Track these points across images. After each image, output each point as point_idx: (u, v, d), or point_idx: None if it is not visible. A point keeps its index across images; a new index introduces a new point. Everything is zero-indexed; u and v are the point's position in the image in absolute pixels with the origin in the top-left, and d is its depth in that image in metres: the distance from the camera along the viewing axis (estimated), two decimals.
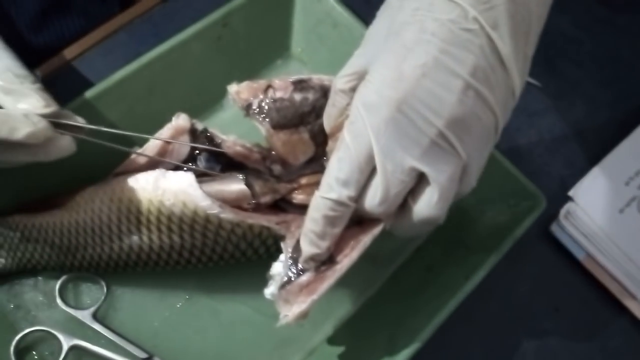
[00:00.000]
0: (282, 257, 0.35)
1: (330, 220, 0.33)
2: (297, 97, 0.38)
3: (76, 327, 0.40)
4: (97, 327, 0.40)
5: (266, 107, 0.38)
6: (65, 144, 0.34)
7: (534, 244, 0.49)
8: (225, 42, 0.46)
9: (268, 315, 0.39)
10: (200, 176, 0.38)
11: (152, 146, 0.39)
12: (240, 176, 0.38)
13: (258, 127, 0.39)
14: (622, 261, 0.47)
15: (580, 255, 0.48)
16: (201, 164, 0.39)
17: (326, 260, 0.34)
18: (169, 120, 0.39)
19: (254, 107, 0.38)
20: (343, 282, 0.36)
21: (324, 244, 0.33)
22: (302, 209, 0.35)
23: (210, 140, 0.39)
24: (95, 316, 0.40)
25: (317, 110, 0.38)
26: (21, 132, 0.31)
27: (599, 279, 0.47)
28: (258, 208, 0.39)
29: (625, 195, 0.49)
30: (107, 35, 0.50)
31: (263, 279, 0.36)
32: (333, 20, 0.48)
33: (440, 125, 0.29)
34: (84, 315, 0.40)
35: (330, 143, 0.37)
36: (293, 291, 0.34)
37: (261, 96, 0.38)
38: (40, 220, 0.40)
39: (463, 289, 0.39)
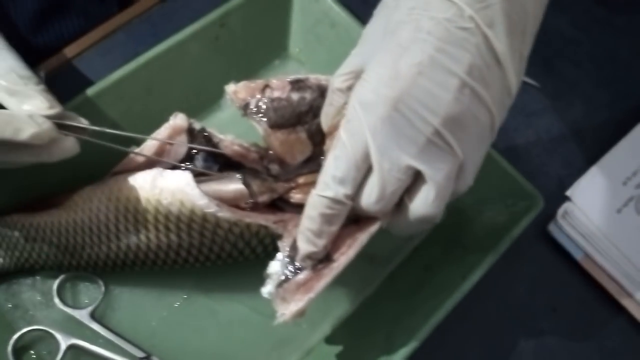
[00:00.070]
0: (279, 255, 0.35)
1: (327, 219, 0.33)
2: (295, 96, 0.38)
3: (74, 327, 0.40)
4: (94, 326, 0.40)
5: (264, 107, 0.38)
6: (69, 145, 0.34)
7: (532, 243, 0.49)
8: (223, 42, 0.46)
9: (266, 315, 0.39)
10: (198, 176, 0.39)
11: (149, 146, 0.39)
12: (238, 176, 0.39)
13: (255, 127, 0.39)
14: (619, 261, 0.47)
15: (578, 255, 0.48)
16: (199, 163, 0.39)
17: (323, 259, 0.34)
18: (166, 120, 0.39)
19: (252, 107, 0.39)
20: (341, 281, 0.36)
21: (321, 242, 0.33)
22: (300, 208, 0.35)
23: (208, 139, 0.39)
24: (93, 315, 0.40)
25: (314, 109, 0.38)
26: (26, 132, 0.31)
27: (597, 279, 0.47)
28: (256, 207, 0.39)
29: (623, 195, 0.49)
30: (105, 35, 0.51)
31: (261, 279, 0.35)
32: (331, 20, 0.48)
33: (437, 123, 0.29)
34: (82, 315, 0.40)
35: (327, 142, 0.38)
36: (290, 289, 0.34)
37: (258, 96, 0.38)
38: (38, 219, 0.40)
39: (460, 288, 0.39)
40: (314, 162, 0.39)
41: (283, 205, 0.40)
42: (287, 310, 0.34)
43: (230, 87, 0.39)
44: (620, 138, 0.51)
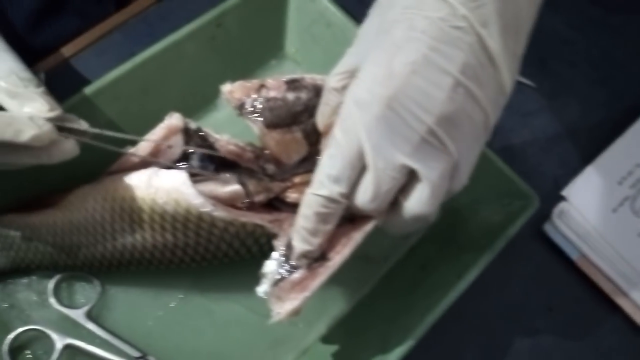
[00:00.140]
0: (274, 254, 0.35)
1: (322, 217, 0.33)
2: (290, 96, 0.38)
3: (70, 327, 0.40)
4: (90, 326, 0.40)
5: (259, 107, 0.38)
6: (69, 147, 0.34)
7: (528, 243, 0.49)
8: (219, 42, 0.46)
9: (262, 315, 0.39)
10: (194, 176, 0.39)
11: (145, 146, 0.39)
12: (234, 175, 0.39)
13: (251, 127, 0.39)
14: (615, 260, 0.47)
15: (573, 255, 0.48)
16: (195, 163, 0.39)
17: (318, 258, 0.34)
18: (163, 119, 0.39)
19: (247, 107, 0.39)
20: (337, 280, 0.36)
21: (316, 241, 0.33)
22: (296, 207, 0.35)
23: (204, 139, 0.39)
24: (89, 315, 0.40)
25: (310, 109, 0.38)
26: (26, 134, 0.31)
27: (592, 278, 0.48)
28: (252, 207, 0.39)
29: (619, 195, 0.49)
30: (102, 35, 0.51)
31: (257, 279, 0.36)
32: (327, 20, 0.48)
33: (430, 122, 0.30)
34: (78, 315, 0.40)
35: (323, 141, 0.38)
36: (285, 288, 0.34)
37: (254, 95, 0.39)
38: (33, 219, 0.40)
39: (456, 287, 0.39)
40: (309, 162, 0.39)
41: (279, 205, 0.40)
42: (282, 309, 0.34)
43: (226, 87, 0.39)
44: (616, 138, 0.51)
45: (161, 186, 0.37)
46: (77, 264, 0.40)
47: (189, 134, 0.39)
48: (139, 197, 0.37)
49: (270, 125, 0.38)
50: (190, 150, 0.39)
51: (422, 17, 0.30)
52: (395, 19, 0.31)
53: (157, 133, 0.38)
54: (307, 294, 0.33)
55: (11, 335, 0.39)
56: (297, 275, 0.34)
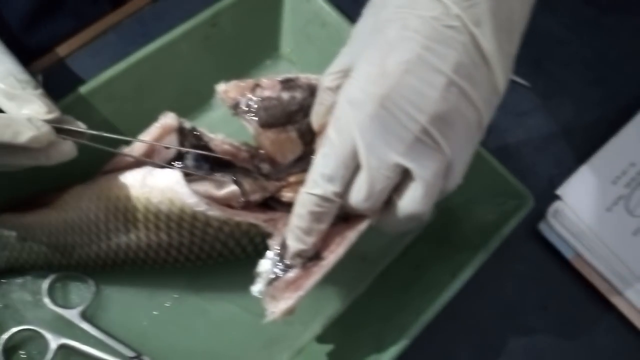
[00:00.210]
0: (269, 254, 0.35)
1: (316, 216, 0.33)
2: (285, 96, 0.38)
3: (64, 327, 0.40)
4: (85, 326, 0.40)
5: (254, 106, 0.38)
6: (67, 149, 0.34)
7: (523, 242, 0.49)
8: (214, 42, 0.46)
9: (257, 314, 0.39)
10: (189, 175, 0.38)
11: (139, 145, 0.39)
12: (229, 175, 0.39)
13: (246, 126, 0.39)
14: (609, 259, 0.47)
15: (568, 254, 0.48)
16: (189, 163, 0.39)
17: (313, 257, 0.34)
18: (157, 119, 0.39)
19: (242, 106, 0.39)
20: (332, 280, 0.36)
21: (310, 240, 0.33)
22: (291, 207, 0.35)
23: (198, 139, 0.39)
24: (83, 315, 0.40)
25: (305, 109, 0.38)
26: (24, 136, 0.32)
27: (587, 277, 0.48)
28: (246, 206, 0.39)
29: (613, 194, 0.49)
30: (96, 35, 0.51)
31: (252, 278, 0.36)
32: (322, 20, 0.48)
33: (424, 121, 0.30)
34: (72, 315, 0.40)
35: (318, 141, 0.38)
36: (279, 287, 0.34)
37: (249, 95, 0.38)
38: (28, 219, 0.40)
39: (450, 287, 0.39)
40: (304, 161, 0.39)
41: (274, 204, 0.40)
42: (276, 308, 0.34)
43: (221, 87, 0.39)
44: (610, 137, 0.51)
45: (155, 185, 0.37)
46: (72, 263, 0.40)
47: (183, 134, 0.39)
48: (134, 197, 0.37)
49: (265, 124, 0.38)
50: (184, 150, 0.39)
51: (415, 17, 0.30)
52: (388, 18, 0.31)
53: (151, 133, 0.38)
54: (301, 293, 0.33)
55: (5, 336, 0.38)
56: (291, 274, 0.34)
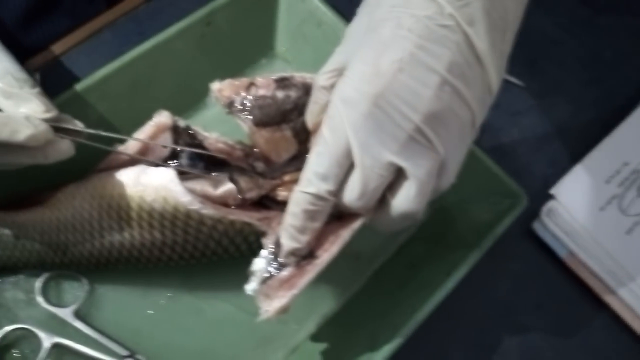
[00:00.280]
0: (263, 252, 0.35)
1: (310, 215, 0.33)
2: (280, 94, 0.38)
3: (58, 325, 0.40)
4: (78, 325, 0.40)
5: (249, 105, 0.38)
6: (65, 147, 0.34)
7: (517, 241, 0.49)
8: (209, 40, 0.46)
9: (251, 313, 0.39)
10: (184, 174, 0.38)
11: (133, 144, 0.39)
12: (225, 173, 0.39)
13: (241, 125, 0.39)
14: (603, 258, 0.47)
15: (562, 253, 0.48)
16: (184, 161, 0.39)
17: (306, 255, 0.34)
18: (151, 118, 0.39)
19: (237, 105, 0.39)
20: (326, 279, 0.36)
21: (304, 238, 0.33)
22: (285, 205, 0.36)
23: (193, 137, 0.39)
24: (77, 314, 0.40)
25: (299, 107, 0.38)
26: (22, 134, 0.32)
27: (581, 276, 0.48)
28: (241, 205, 0.39)
29: (606, 194, 0.49)
30: (91, 33, 0.50)
31: (246, 277, 0.36)
32: (317, 19, 0.48)
33: (417, 120, 0.30)
34: (66, 313, 0.40)
35: (312, 140, 0.38)
36: (273, 286, 0.34)
37: (243, 94, 0.38)
38: (21, 217, 0.40)
39: (445, 285, 0.39)
40: (299, 160, 0.39)
41: (269, 203, 0.40)
42: (270, 307, 0.34)
43: (215, 85, 0.39)
44: (604, 137, 0.52)
45: (149, 183, 0.37)
46: (65, 262, 0.40)
47: (177, 132, 0.39)
48: (127, 195, 0.37)
49: (260, 123, 0.38)
50: (179, 148, 0.39)
51: (409, 16, 0.30)
52: (382, 17, 0.31)
53: (145, 131, 0.38)
54: (295, 291, 0.34)
55: None
56: (285, 273, 0.34)
